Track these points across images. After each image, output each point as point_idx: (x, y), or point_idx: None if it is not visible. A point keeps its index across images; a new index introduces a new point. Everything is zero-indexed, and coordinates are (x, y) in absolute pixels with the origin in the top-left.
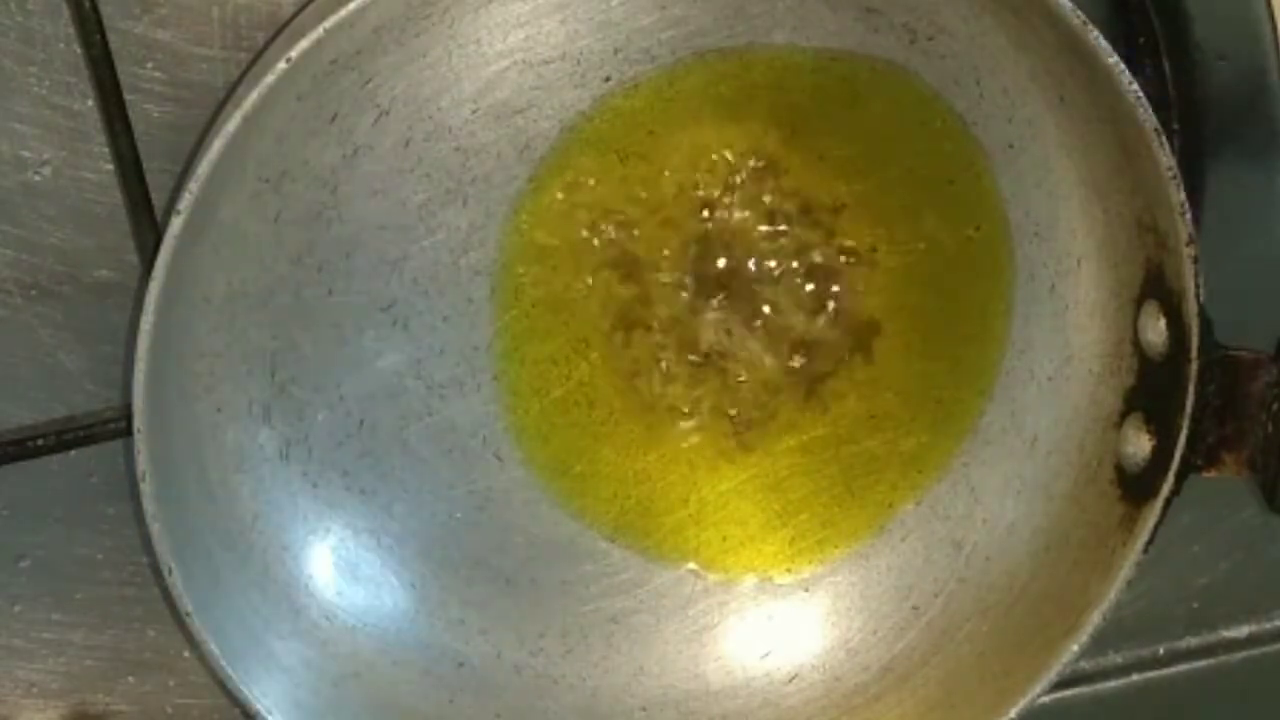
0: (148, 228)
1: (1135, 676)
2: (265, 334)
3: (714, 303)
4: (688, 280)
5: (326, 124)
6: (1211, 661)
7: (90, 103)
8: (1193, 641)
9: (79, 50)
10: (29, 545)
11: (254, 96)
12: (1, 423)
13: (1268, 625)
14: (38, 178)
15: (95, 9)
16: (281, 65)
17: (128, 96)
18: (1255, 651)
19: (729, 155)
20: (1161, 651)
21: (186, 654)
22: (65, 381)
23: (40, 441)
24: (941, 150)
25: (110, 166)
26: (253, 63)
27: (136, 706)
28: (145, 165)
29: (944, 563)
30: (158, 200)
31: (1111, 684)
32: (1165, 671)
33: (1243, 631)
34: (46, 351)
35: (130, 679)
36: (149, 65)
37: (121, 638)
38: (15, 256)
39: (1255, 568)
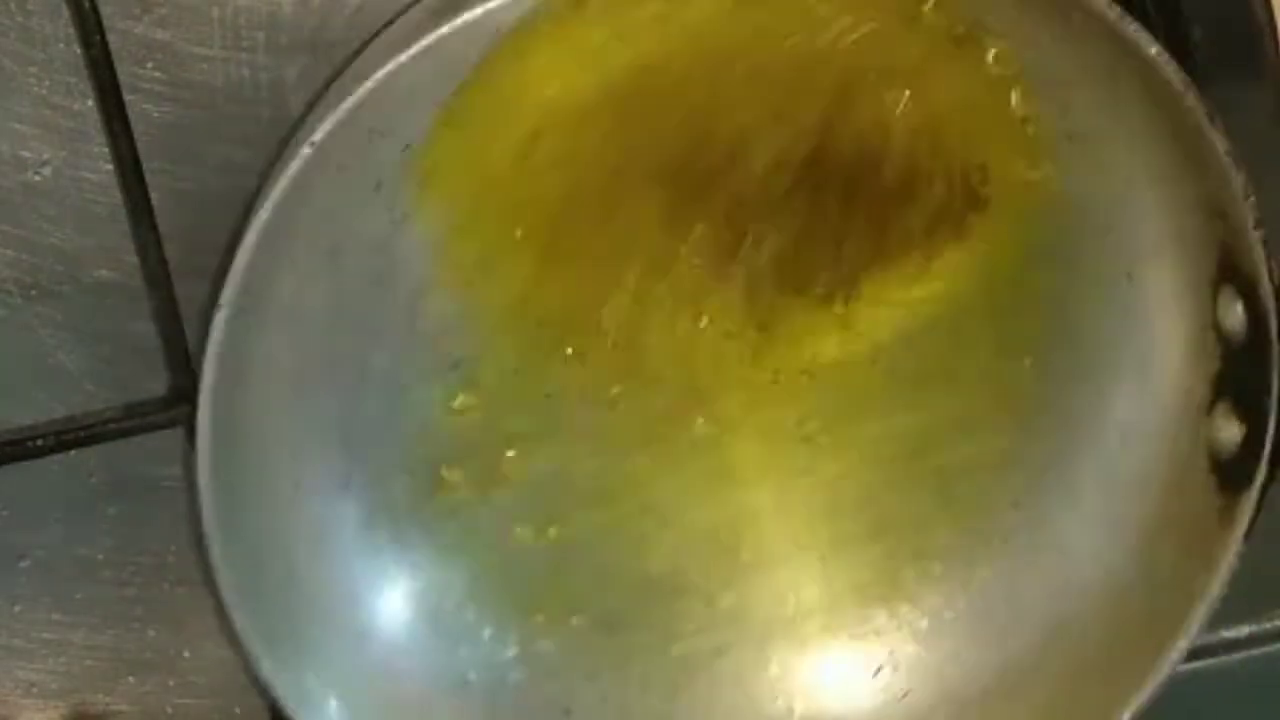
0: (147, 228)
1: None
2: (337, 406)
3: (786, 318)
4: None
5: (372, 193)
6: (1211, 661)
7: (90, 103)
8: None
9: (79, 50)
10: (29, 545)
11: (284, 183)
12: (1, 423)
13: (1268, 625)
14: (38, 178)
15: (95, 9)
16: (305, 150)
17: (128, 96)
18: (1255, 651)
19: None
20: None
21: (187, 654)
22: (65, 382)
23: (40, 442)
24: (1001, 152)
25: (110, 166)
26: (290, 135)
27: (136, 707)
28: (145, 165)
29: (1048, 565)
30: (158, 200)
31: None
32: None
33: (1243, 631)
34: (46, 352)
35: (130, 679)
36: (149, 65)
37: (121, 638)
38: (15, 256)
39: (1255, 568)
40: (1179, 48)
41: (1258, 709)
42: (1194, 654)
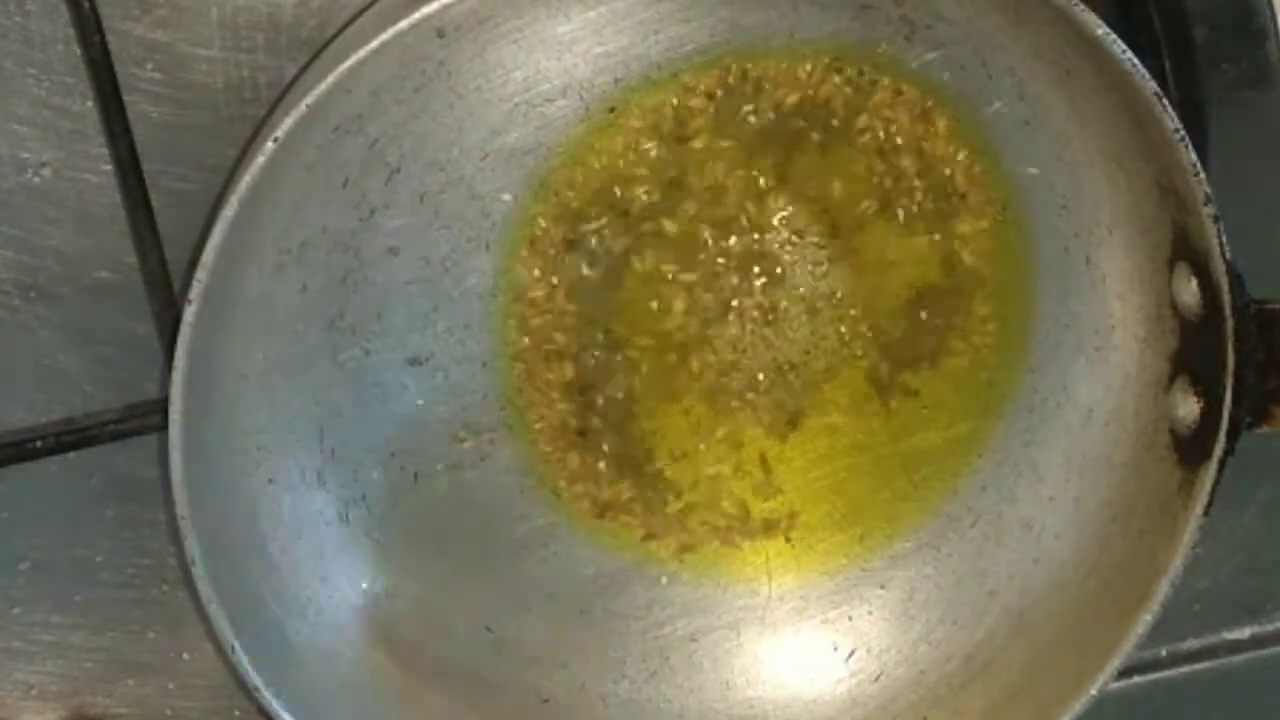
0: (146, 229)
1: (1137, 678)
2: (309, 401)
3: (751, 312)
4: (725, 292)
5: (339, 189)
6: (1214, 663)
7: (89, 104)
8: (1195, 643)
9: (78, 51)
10: (28, 547)
11: (247, 179)
12: (0, 424)
13: (1269, 627)
14: (37, 179)
15: (95, 10)
16: (270, 145)
17: (127, 97)
18: (1257, 653)
19: (746, 167)
20: (1164, 653)
21: (186, 656)
22: (64, 383)
23: (39, 443)
24: (957, 135)
25: (109, 168)
26: (258, 130)
27: (136, 709)
28: (144, 166)
29: (1015, 544)
30: (157, 201)
31: (1114, 685)
32: (1167, 673)
33: (1245, 633)
34: (45, 353)
35: (130, 681)
36: (148, 66)
37: (121, 640)
38: (14, 258)
39: (1257, 569)
40: (1182, 48)
41: (1260, 710)
42: (1196, 655)
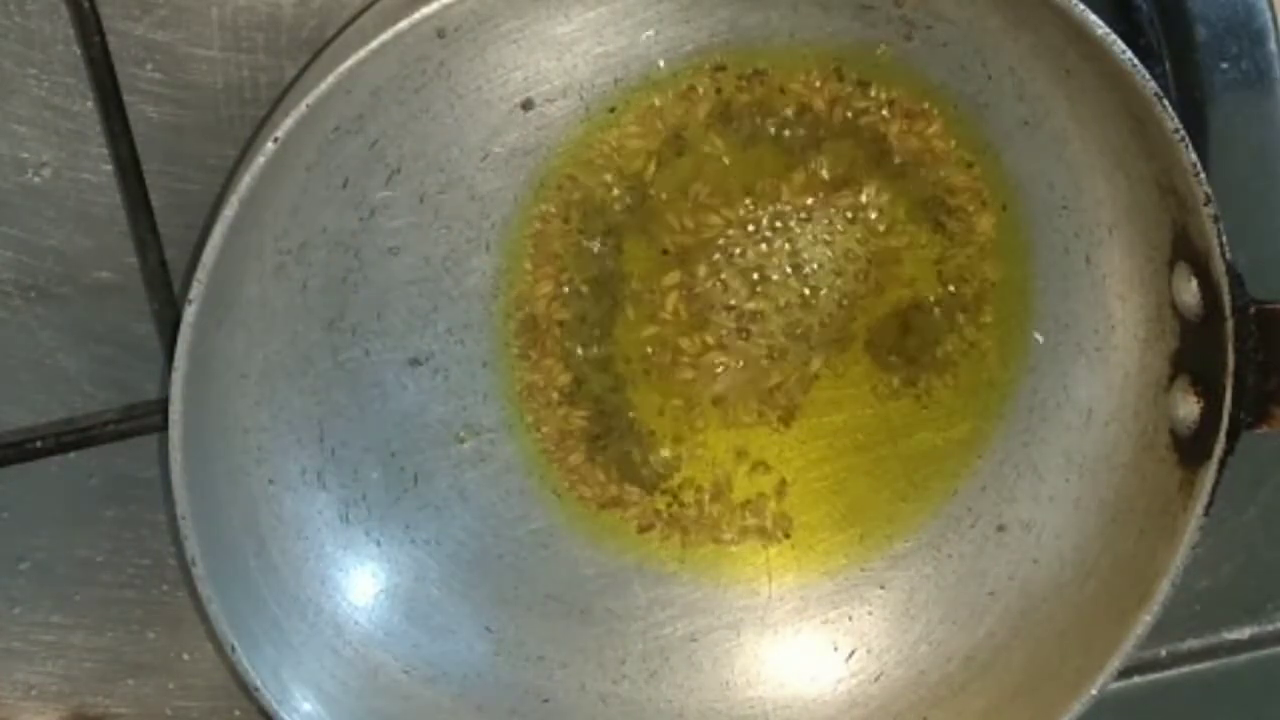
0: (146, 229)
1: (1137, 678)
2: (309, 401)
3: (751, 309)
4: (725, 292)
5: (339, 189)
6: (1214, 663)
7: (89, 104)
8: (1195, 643)
9: (78, 51)
10: (28, 547)
11: (247, 179)
12: (0, 424)
13: (1269, 627)
14: (37, 179)
15: (95, 10)
16: (270, 145)
17: (127, 97)
18: (1257, 653)
19: (745, 167)
20: (1164, 653)
21: (186, 657)
22: (64, 383)
23: (39, 443)
24: (957, 135)
25: (109, 168)
26: (258, 130)
27: (136, 709)
28: (144, 166)
29: (1015, 544)
30: (157, 202)
31: (1114, 686)
32: (1167, 673)
33: (1244, 633)
34: (46, 353)
35: (130, 681)
36: (148, 66)
37: (121, 640)
38: (15, 258)
39: (1257, 569)
40: (1182, 48)
41: (1260, 710)
42: (1196, 656)
